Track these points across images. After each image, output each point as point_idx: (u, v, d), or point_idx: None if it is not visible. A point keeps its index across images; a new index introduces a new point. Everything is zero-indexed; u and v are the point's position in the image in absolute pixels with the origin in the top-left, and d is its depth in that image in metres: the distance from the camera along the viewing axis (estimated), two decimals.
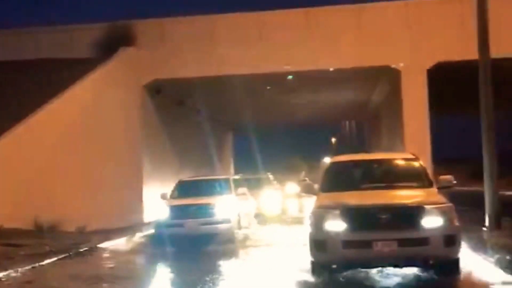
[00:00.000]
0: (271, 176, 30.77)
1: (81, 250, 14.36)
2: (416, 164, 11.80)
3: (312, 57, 24.26)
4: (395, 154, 14.90)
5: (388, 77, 26.30)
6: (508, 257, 10.88)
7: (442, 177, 11.17)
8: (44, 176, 18.49)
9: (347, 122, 57.65)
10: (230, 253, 15.04)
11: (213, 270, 12.44)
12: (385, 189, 11.03)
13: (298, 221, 21.17)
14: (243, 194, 19.95)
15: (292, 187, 41.06)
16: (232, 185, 19.68)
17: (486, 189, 14.88)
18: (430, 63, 23.92)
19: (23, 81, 22.09)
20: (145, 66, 24.55)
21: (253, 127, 41.73)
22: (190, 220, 17.19)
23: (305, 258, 11.08)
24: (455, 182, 11.20)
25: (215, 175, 22.72)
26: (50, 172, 18.83)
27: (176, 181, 20.19)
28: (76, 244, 15.01)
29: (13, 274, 11.15)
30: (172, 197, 18.65)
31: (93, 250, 14.72)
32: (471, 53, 17.29)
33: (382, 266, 10.43)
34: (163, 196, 18.53)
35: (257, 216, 22.13)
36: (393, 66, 24.54)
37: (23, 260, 12.43)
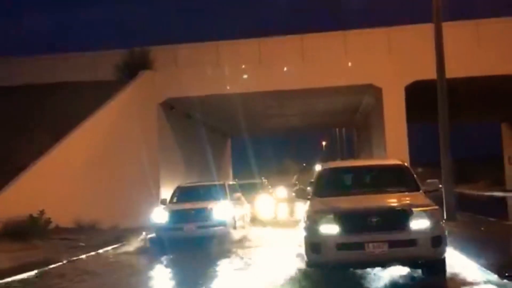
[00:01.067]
0: (265, 181, 32.24)
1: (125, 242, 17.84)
2: (404, 169, 11.99)
3: (305, 77, 27.07)
4: (384, 160, 15.16)
5: (372, 93, 29.03)
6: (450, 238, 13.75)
7: (429, 181, 11.86)
8: (81, 185, 21.64)
9: (337, 129, 59.61)
10: (225, 254, 15.47)
11: (210, 267, 13.33)
12: (375, 193, 11.19)
13: (289, 224, 21.86)
14: (238, 198, 20.54)
15: (283, 191, 42.53)
16: (228, 190, 20.16)
17: (444, 188, 17.51)
18: (408, 81, 26.45)
19: (59, 101, 24.92)
20: (160, 86, 27.47)
21: (249, 134, 43.88)
22: (188, 223, 17.71)
23: (296, 257, 12.03)
24: (440, 186, 12.11)
25: (213, 181, 23.05)
26: (87, 181, 21.96)
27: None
28: (118, 237, 18.37)
29: (86, 258, 14.65)
30: (171, 202, 19.24)
31: (134, 241, 18.07)
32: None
33: (374, 266, 10.60)
34: (163, 202, 19.25)
35: (251, 219, 22.57)
36: (375, 84, 27.20)
37: (85, 249, 15.91)
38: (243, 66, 27.82)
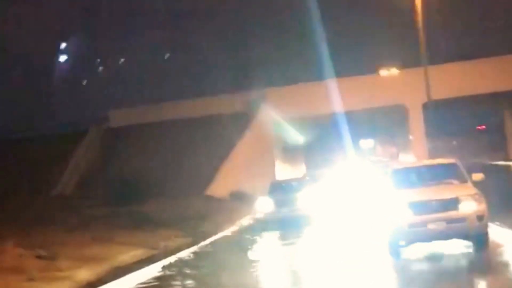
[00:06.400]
0: (324, 174, 37.72)
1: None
2: (455, 165, 13.30)
3: (362, 102, 40.62)
4: (440, 160, 15.92)
5: (402, 109, 42.08)
6: None
7: (474, 174, 12.74)
8: (244, 174, 36.90)
9: None
10: (311, 227, 20.47)
11: (301, 233, 19.04)
12: (436, 185, 12.63)
13: (354, 210, 24.26)
14: (314, 188, 24.71)
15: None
16: (306, 183, 24.49)
17: None
18: (423, 101, 34.82)
19: (214, 127, 38.74)
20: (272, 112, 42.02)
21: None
22: (284, 208, 22.26)
23: (358, 232, 15.50)
24: (484, 178, 12.87)
25: (295, 177, 31.27)
26: (245, 172, 37.19)
27: (271, 181, 28.27)
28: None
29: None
30: (269, 194, 23.77)
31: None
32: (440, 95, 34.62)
33: (436, 240, 12.10)
34: (264, 193, 23.86)
35: (323, 205, 25.24)
36: (404, 104, 41.16)
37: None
38: (314, 99, 41.09)
